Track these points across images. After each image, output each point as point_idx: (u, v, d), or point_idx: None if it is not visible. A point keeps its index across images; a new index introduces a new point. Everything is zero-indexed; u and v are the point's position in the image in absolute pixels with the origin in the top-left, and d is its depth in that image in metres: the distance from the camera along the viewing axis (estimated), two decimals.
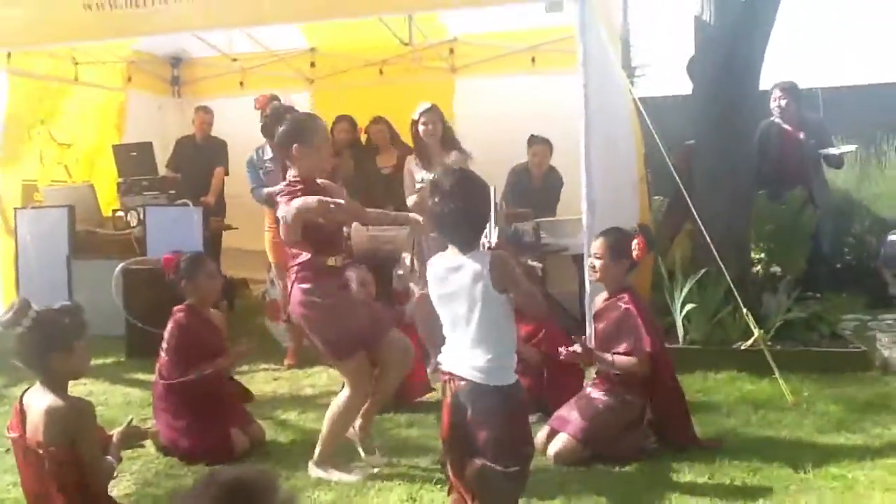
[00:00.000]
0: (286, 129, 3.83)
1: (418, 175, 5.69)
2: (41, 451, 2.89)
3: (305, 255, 3.83)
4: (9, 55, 7.14)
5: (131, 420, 3.43)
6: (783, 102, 7.15)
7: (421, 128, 5.72)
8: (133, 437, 3.39)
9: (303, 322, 3.92)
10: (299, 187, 3.81)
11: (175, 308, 4.48)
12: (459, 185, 2.96)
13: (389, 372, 4.01)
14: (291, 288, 3.90)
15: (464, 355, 2.96)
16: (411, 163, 5.83)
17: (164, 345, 4.43)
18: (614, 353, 4.08)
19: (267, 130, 3.98)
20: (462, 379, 2.95)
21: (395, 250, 6.00)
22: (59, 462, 2.89)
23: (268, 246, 6.21)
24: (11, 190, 7.39)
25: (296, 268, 3.87)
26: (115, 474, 3.18)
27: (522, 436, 2.99)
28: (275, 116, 3.95)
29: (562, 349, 4.09)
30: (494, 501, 2.92)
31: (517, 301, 2.96)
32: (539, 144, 6.90)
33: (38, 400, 2.95)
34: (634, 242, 4.10)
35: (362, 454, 4.12)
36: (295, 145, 3.81)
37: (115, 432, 3.22)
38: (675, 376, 4.24)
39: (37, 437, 2.89)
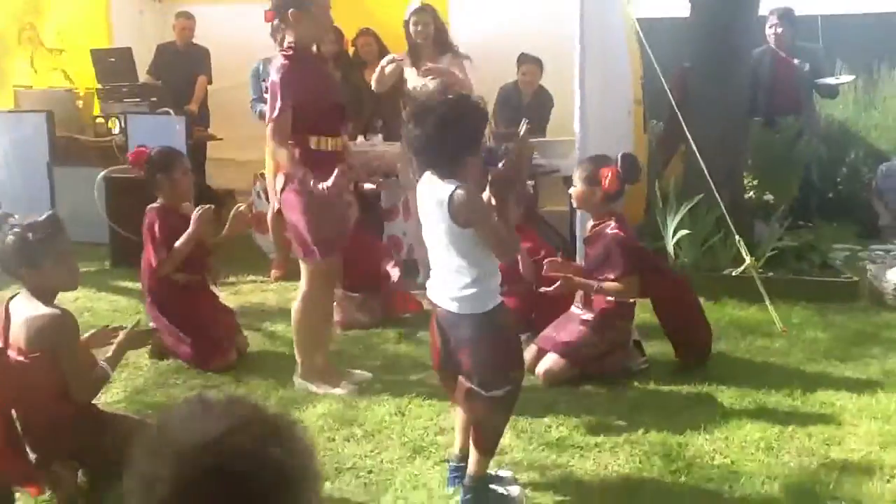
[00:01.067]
0: None
1: (415, 81, 5.40)
2: (23, 358, 2.83)
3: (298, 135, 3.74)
4: None
5: (138, 322, 3.35)
6: (778, 29, 7.01)
7: (411, 28, 5.39)
8: (139, 339, 3.28)
9: (288, 207, 3.83)
10: (291, 54, 3.73)
11: (147, 208, 4.38)
12: (430, 110, 2.79)
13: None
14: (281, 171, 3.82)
15: (443, 282, 2.89)
16: (405, 64, 5.47)
17: (146, 248, 4.34)
18: (602, 279, 4.06)
19: None
20: (440, 307, 2.90)
21: (383, 166, 5.90)
22: (39, 370, 2.83)
23: (267, 158, 5.95)
24: (3, 97, 7.13)
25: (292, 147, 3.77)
26: (110, 380, 3.12)
27: (508, 360, 2.91)
28: None
29: (547, 262, 4.06)
30: (483, 423, 2.90)
31: (481, 239, 2.78)
32: (529, 63, 6.73)
33: (21, 308, 2.89)
34: (603, 172, 3.97)
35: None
36: (291, 10, 3.69)
37: (119, 336, 3.12)
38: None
39: (18, 344, 2.84)
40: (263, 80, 5.88)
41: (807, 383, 3.93)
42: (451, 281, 2.85)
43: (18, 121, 6.93)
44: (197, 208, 4.31)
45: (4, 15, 7.22)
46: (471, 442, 2.93)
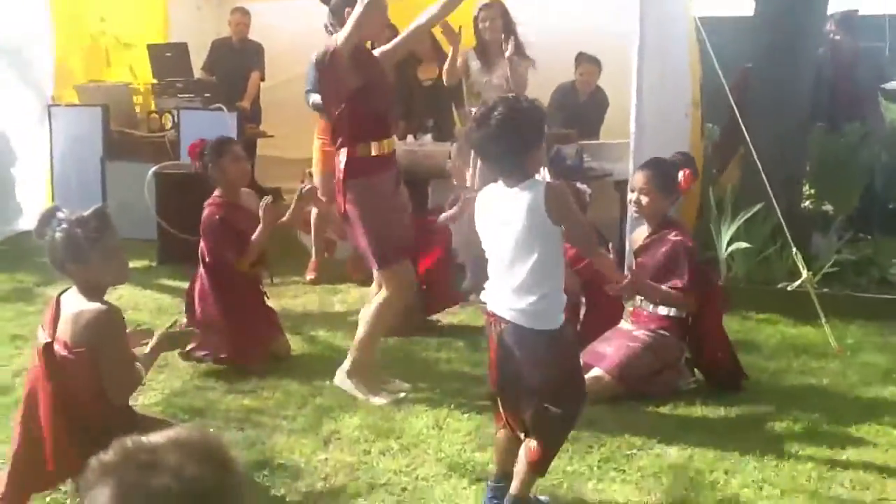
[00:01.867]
0: None
1: (480, 77, 5.37)
2: (67, 353, 2.83)
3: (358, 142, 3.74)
4: None
5: (175, 322, 3.34)
6: (836, 37, 6.77)
7: (480, 24, 5.38)
8: (176, 341, 3.25)
9: (352, 220, 3.81)
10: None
11: (206, 203, 4.38)
12: (499, 116, 2.76)
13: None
14: (344, 179, 3.78)
15: (509, 296, 2.81)
16: (471, 59, 5.42)
17: (203, 243, 4.34)
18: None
19: None
20: (507, 321, 2.81)
21: (433, 166, 5.83)
22: (82, 366, 2.84)
23: (316, 155, 5.92)
24: (67, 92, 7.23)
25: (347, 156, 3.75)
26: (144, 382, 3.11)
27: (575, 378, 2.91)
28: None
29: (608, 287, 3.92)
30: (552, 440, 2.87)
31: (568, 234, 2.82)
32: (588, 63, 6.62)
33: (70, 303, 2.89)
34: (681, 174, 3.91)
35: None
36: (347, 9, 3.69)
37: (156, 335, 3.10)
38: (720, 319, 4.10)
39: (64, 338, 2.84)
40: None
41: (862, 409, 3.77)
42: (520, 294, 2.78)
43: (76, 115, 7.01)
44: (262, 201, 4.28)
45: (72, 15, 7.29)
46: (522, 460, 2.85)
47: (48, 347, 2.85)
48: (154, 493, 1.15)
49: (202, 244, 4.35)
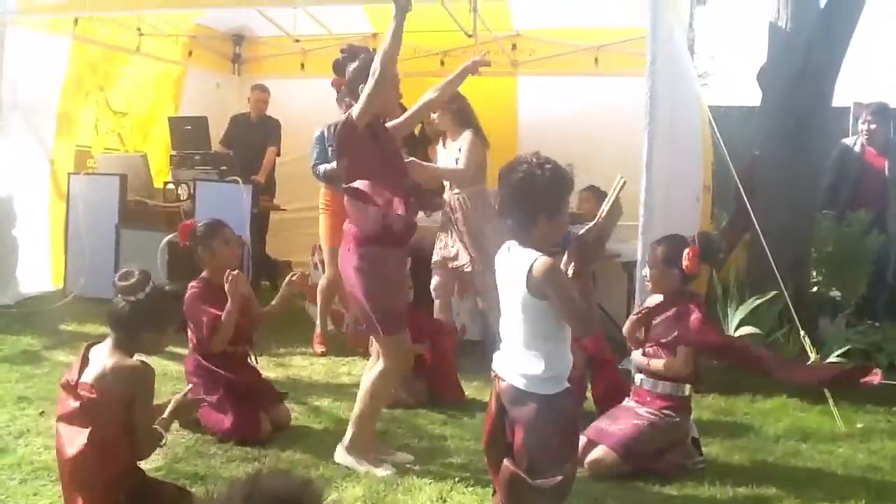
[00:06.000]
0: (360, 66, 3.87)
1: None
2: (93, 401, 2.89)
3: (368, 213, 3.77)
4: (76, 21, 7.18)
5: (187, 392, 3.37)
6: (872, 126, 6.87)
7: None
8: (189, 408, 3.33)
9: (358, 288, 3.82)
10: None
11: (190, 284, 4.41)
12: (518, 175, 2.72)
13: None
14: (356, 245, 3.81)
15: (511, 356, 2.79)
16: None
17: (187, 324, 4.37)
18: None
19: (339, 67, 3.95)
20: (505, 381, 2.78)
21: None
22: (109, 418, 2.89)
23: (322, 229, 5.98)
24: (65, 155, 7.42)
25: (359, 214, 3.80)
26: (163, 443, 3.14)
27: (563, 450, 2.75)
28: (350, 53, 4.00)
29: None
30: None
31: (559, 312, 2.69)
32: (587, 192, 6.59)
33: (105, 355, 2.98)
34: (686, 252, 3.91)
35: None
36: (361, 85, 3.79)
37: (171, 402, 3.17)
38: None
39: (89, 382, 2.92)
40: (330, 146, 5.93)
41: (871, 495, 3.70)
42: (520, 356, 2.75)
43: (94, 182, 7.17)
44: (226, 276, 4.27)
45: (77, 75, 7.51)
46: None
47: (73, 386, 2.93)
48: None
49: (189, 330, 4.38)
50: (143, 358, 3.10)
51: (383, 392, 3.93)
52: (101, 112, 7.87)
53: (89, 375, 2.94)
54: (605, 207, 2.87)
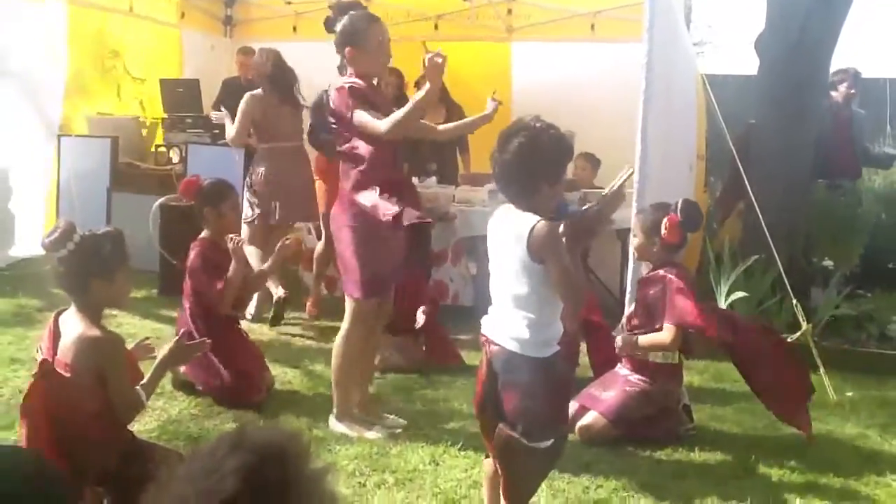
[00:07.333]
0: (342, 29, 3.81)
1: None
2: (68, 375, 2.83)
3: (371, 167, 3.75)
4: None
5: (180, 338, 3.29)
6: (851, 90, 6.84)
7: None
8: (182, 354, 3.18)
9: (347, 246, 3.80)
10: (360, 85, 3.77)
11: (193, 244, 4.37)
12: (517, 143, 2.68)
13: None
14: (345, 209, 3.80)
15: (502, 319, 2.77)
16: None
17: (188, 279, 4.34)
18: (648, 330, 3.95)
19: (330, 25, 3.90)
20: (496, 344, 2.77)
21: (435, 209, 5.87)
22: (82, 389, 2.83)
23: (319, 194, 5.95)
24: (76, 121, 7.32)
25: (355, 176, 3.77)
26: (147, 403, 3.08)
27: (556, 412, 2.77)
28: (339, 9, 3.90)
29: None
30: (518, 475, 2.76)
31: (552, 279, 2.66)
32: (582, 160, 6.52)
33: (72, 325, 2.89)
34: (664, 221, 3.86)
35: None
36: (348, 47, 3.77)
37: (163, 349, 3.05)
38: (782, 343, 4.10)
39: (65, 360, 2.85)
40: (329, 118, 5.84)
41: (861, 461, 3.75)
42: (512, 319, 2.73)
43: (85, 146, 7.10)
44: (229, 240, 4.26)
45: (88, 42, 7.40)
46: (501, 496, 2.81)
47: (47, 365, 2.86)
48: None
49: (188, 284, 4.36)
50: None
51: (349, 353, 3.90)
52: (122, 78, 7.76)
53: (64, 351, 2.86)
54: (607, 192, 2.87)
